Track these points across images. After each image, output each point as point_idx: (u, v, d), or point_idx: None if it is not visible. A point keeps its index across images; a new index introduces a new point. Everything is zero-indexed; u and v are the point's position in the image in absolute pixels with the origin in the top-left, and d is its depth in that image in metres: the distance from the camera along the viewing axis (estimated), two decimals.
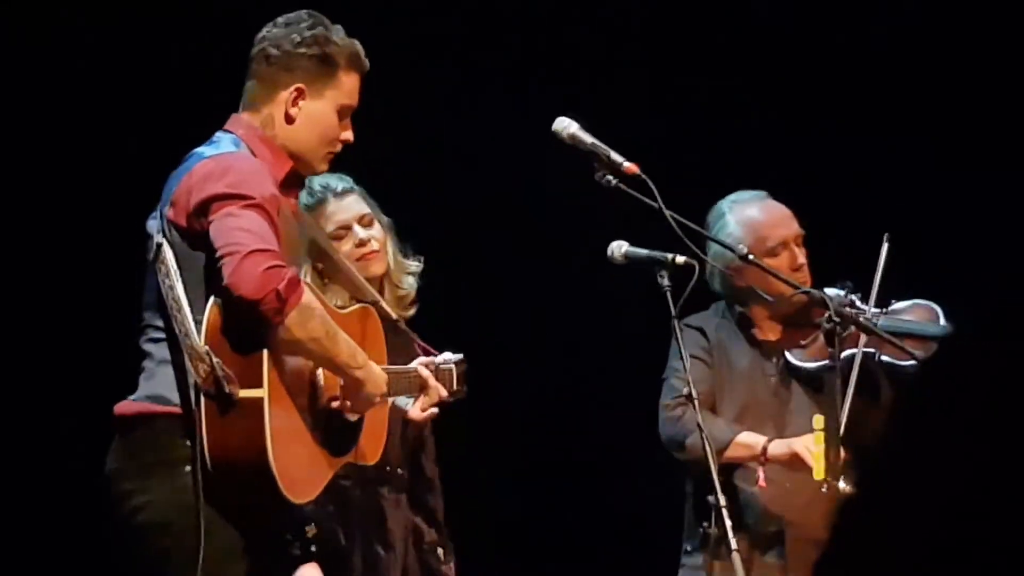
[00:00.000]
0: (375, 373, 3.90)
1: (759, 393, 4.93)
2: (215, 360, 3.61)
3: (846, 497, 4.52)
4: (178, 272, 3.69)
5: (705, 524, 4.67)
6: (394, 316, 4.33)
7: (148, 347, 3.78)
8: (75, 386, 5.70)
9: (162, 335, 3.74)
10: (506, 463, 6.22)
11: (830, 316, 4.49)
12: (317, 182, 4.53)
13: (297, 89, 3.88)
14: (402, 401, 4.30)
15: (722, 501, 4.19)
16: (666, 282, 4.24)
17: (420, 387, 4.24)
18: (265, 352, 3.66)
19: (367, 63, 3.97)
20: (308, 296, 3.65)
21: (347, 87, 3.94)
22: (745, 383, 4.94)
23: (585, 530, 6.28)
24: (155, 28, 5.89)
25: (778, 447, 4.75)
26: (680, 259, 4.24)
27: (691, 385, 4.27)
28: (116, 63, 5.87)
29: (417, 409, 4.28)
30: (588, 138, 4.23)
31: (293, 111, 3.89)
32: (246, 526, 3.73)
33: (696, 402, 4.24)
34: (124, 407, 3.78)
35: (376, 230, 4.60)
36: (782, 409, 4.92)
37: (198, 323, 3.65)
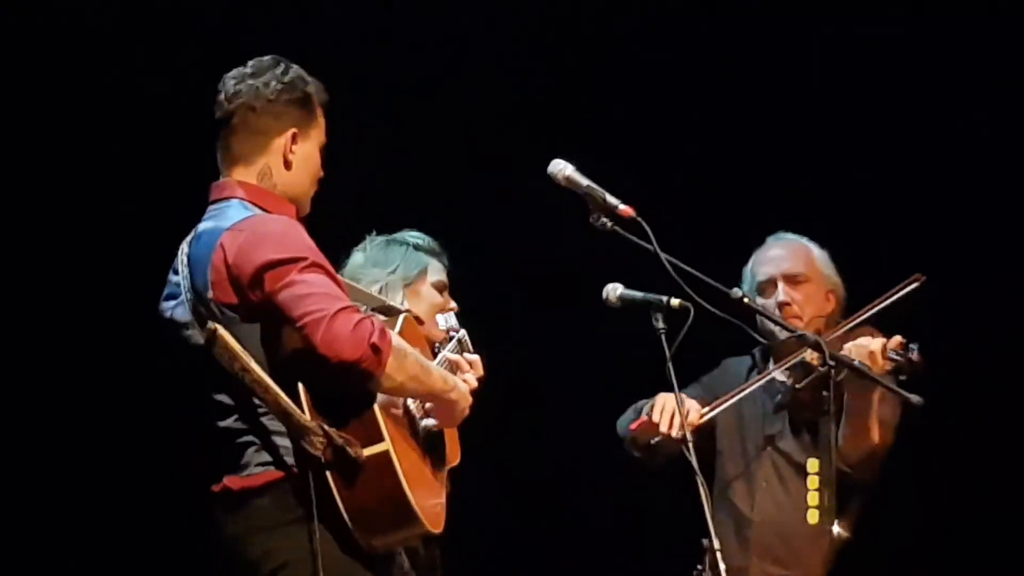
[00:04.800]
0: (463, 389, 3.92)
1: (751, 422, 5.05)
2: (329, 430, 3.60)
3: (842, 542, 4.54)
4: (247, 352, 3.63)
5: (699, 567, 4.67)
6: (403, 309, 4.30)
7: (241, 425, 3.71)
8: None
9: (259, 412, 3.69)
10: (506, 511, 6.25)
11: (825, 360, 4.50)
12: (425, 236, 4.76)
13: (293, 134, 3.87)
14: None
15: (716, 544, 4.19)
16: (660, 324, 4.23)
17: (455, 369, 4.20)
18: (376, 406, 3.66)
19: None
20: (397, 338, 3.66)
21: (322, 124, 3.95)
22: (745, 416, 5.05)
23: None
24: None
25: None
26: (675, 302, 4.24)
27: (685, 429, 4.29)
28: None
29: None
30: (584, 180, 4.21)
31: (290, 156, 3.87)
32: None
33: (690, 444, 4.25)
34: (245, 481, 3.72)
35: None
36: (767, 437, 5.04)
37: (292, 397, 3.62)
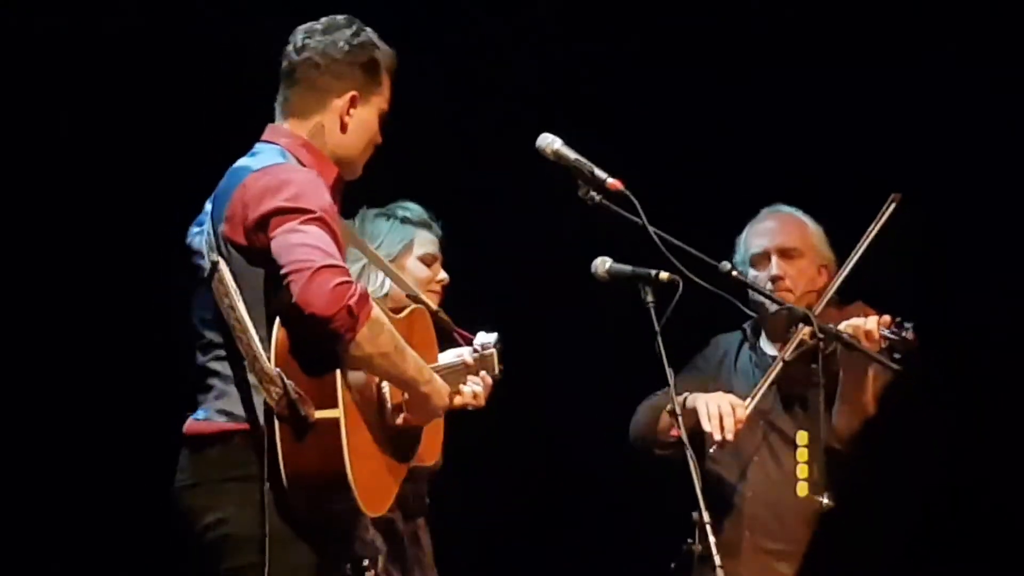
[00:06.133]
0: (439, 386, 3.89)
1: (744, 398, 4.95)
2: (287, 382, 3.60)
3: (826, 510, 4.57)
4: (238, 291, 3.66)
5: (689, 541, 4.67)
6: (433, 307, 4.32)
7: (215, 365, 3.75)
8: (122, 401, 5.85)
9: (238, 358, 3.70)
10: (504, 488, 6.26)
11: (814, 332, 4.50)
12: (416, 207, 4.75)
13: (352, 97, 3.88)
14: None
15: (706, 518, 4.19)
16: (650, 298, 4.23)
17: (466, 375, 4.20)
18: (338, 373, 3.65)
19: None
20: (377, 310, 3.65)
21: (386, 92, 3.96)
22: (737, 391, 4.99)
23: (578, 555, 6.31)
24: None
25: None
26: (664, 275, 4.23)
27: (674, 402, 4.27)
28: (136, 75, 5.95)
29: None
30: (572, 154, 4.21)
31: (347, 119, 3.89)
32: (318, 544, 3.71)
33: (679, 418, 4.24)
34: (199, 426, 3.76)
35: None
36: (760, 412, 4.99)
37: (265, 344, 3.63)
